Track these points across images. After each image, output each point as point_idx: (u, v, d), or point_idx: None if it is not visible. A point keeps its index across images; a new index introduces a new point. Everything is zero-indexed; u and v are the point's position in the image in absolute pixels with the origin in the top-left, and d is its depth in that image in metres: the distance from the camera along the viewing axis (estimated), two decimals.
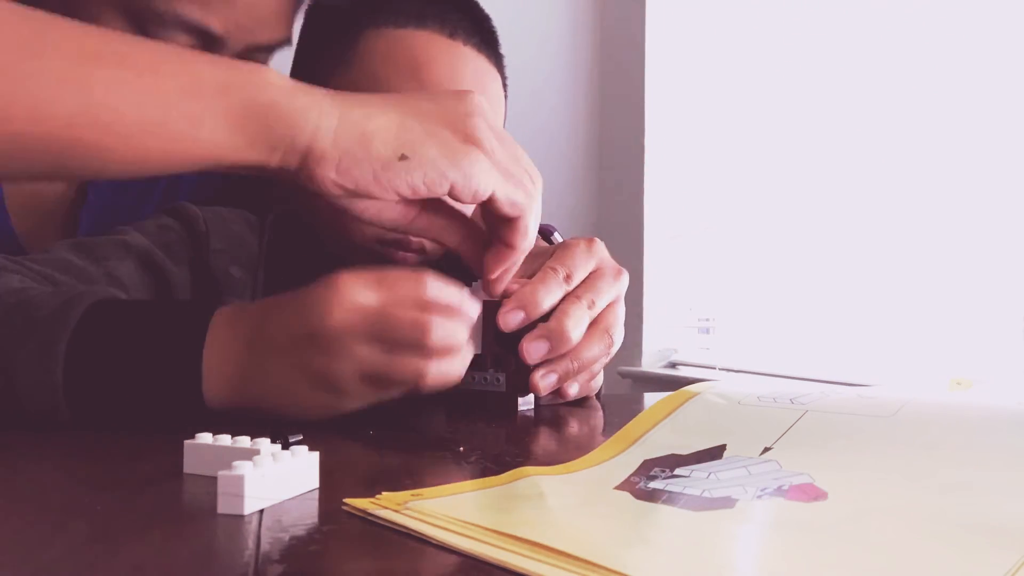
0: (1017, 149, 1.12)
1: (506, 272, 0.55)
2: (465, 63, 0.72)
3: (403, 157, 0.49)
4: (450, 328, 0.50)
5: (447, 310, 0.50)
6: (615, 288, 0.60)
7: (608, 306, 0.59)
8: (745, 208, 1.75)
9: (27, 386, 0.49)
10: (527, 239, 0.54)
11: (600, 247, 0.61)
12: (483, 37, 0.75)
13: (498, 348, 0.57)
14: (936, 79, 1.24)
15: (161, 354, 0.51)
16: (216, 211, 0.74)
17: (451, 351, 0.50)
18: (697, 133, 1.96)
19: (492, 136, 0.52)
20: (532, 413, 0.60)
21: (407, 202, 0.52)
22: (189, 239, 0.70)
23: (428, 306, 0.49)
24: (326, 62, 0.73)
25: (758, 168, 1.71)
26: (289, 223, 0.78)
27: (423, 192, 0.50)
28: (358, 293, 0.49)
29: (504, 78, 0.78)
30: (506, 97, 0.78)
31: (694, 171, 1.96)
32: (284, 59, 0.79)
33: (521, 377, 0.57)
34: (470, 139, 0.50)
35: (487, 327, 0.58)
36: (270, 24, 0.74)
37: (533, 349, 0.54)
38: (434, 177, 0.49)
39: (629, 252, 2.08)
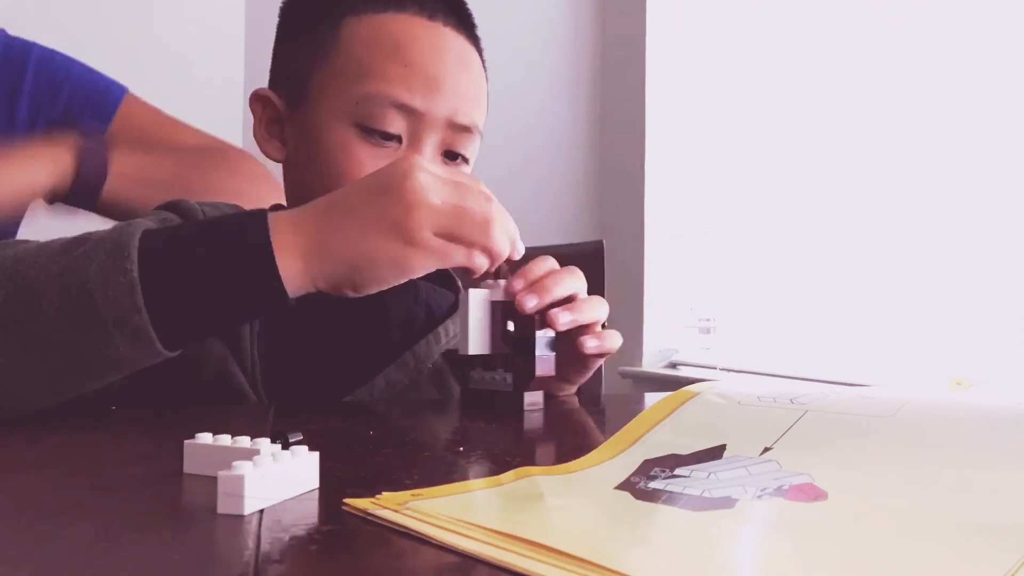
0: (1017, 149, 1.12)
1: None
2: (447, 42, 0.74)
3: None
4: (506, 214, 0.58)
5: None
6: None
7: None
8: (745, 208, 1.75)
9: (104, 293, 0.50)
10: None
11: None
12: (461, 18, 0.76)
13: (506, 348, 0.59)
14: (936, 79, 1.25)
15: (228, 240, 0.54)
16: (213, 204, 0.76)
17: (507, 226, 0.58)
18: (697, 134, 1.96)
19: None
20: (540, 410, 0.60)
21: None
22: None
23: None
24: (308, 53, 0.74)
25: (758, 169, 1.71)
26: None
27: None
28: (432, 167, 0.57)
29: (483, 59, 0.79)
30: (487, 77, 0.79)
31: (694, 172, 1.96)
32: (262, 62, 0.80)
33: (526, 376, 0.58)
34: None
35: (495, 328, 0.59)
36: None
37: (526, 300, 0.60)
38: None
39: (630, 252, 2.08)
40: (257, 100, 0.78)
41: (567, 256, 1.15)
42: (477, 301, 0.61)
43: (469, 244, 0.57)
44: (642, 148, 2.09)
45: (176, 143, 1.02)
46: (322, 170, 0.71)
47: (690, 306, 2.02)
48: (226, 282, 0.53)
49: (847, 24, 1.44)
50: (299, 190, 0.76)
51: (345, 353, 0.73)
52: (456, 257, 0.56)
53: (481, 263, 0.58)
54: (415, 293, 0.77)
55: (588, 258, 1.14)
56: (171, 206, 0.73)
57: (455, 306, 0.80)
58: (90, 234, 0.54)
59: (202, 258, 0.53)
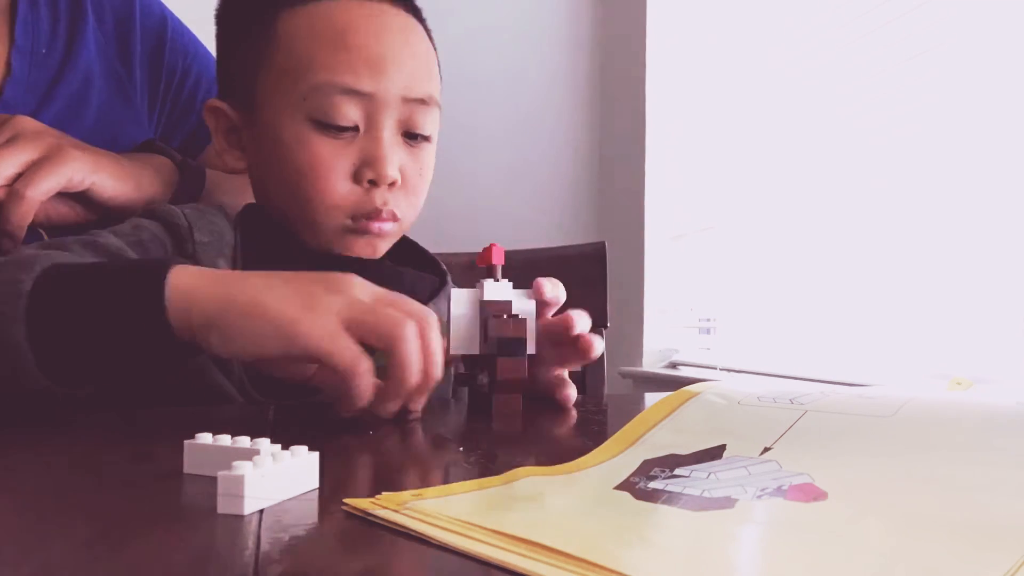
0: (1017, 149, 1.12)
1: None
2: (387, 20, 0.73)
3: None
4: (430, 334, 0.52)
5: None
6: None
7: None
8: (745, 209, 1.76)
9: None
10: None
11: None
12: None
13: (487, 352, 0.59)
14: (936, 79, 1.25)
15: (128, 272, 0.53)
16: (194, 207, 0.75)
17: (427, 347, 0.51)
18: (698, 134, 1.96)
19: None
20: (517, 413, 0.59)
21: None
22: (168, 236, 0.71)
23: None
24: (249, 56, 0.73)
25: (759, 169, 1.71)
26: (257, 216, 0.78)
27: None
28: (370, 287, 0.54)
29: (427, 29, 0.78)
30: (435, 48, 0.78)
31: (695, 172, 1.96)
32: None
33: (495, 377, 0.58)
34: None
35: (483, 332, 0.59)
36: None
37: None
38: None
39: (630, 253, 2.08)
40: (209, 112, 0.77)
41: (569, 257, 1.16)
42: (460, 300, 0.60)
43: (376, 338, 0.50)
44: (642, 148, 2.09)
45: None
46: (283, 171, 0.71)
47: (690, 306, 2.02)
48: (109, 301, 0.51)
49: (847, 25, 1.44)
50: (264, 197, 0.77)
51: None
52: (342, 354, 0.49)
53: (360, 380, 0.49)
54: (399, 279, 0.76)
55: (590, 259, 1.14)
56: (149, 213, 0.73)
57: (438, 290, 0.80)
58: (21, 256, 0.54)
59: (96, 281, 0.52)
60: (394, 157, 0.71)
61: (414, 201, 0.75)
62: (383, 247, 0.76)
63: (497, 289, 0.60)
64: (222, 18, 0.78)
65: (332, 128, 0.69)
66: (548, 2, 2.27)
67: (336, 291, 0.51)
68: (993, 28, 1.16)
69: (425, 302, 0.78)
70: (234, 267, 0.72)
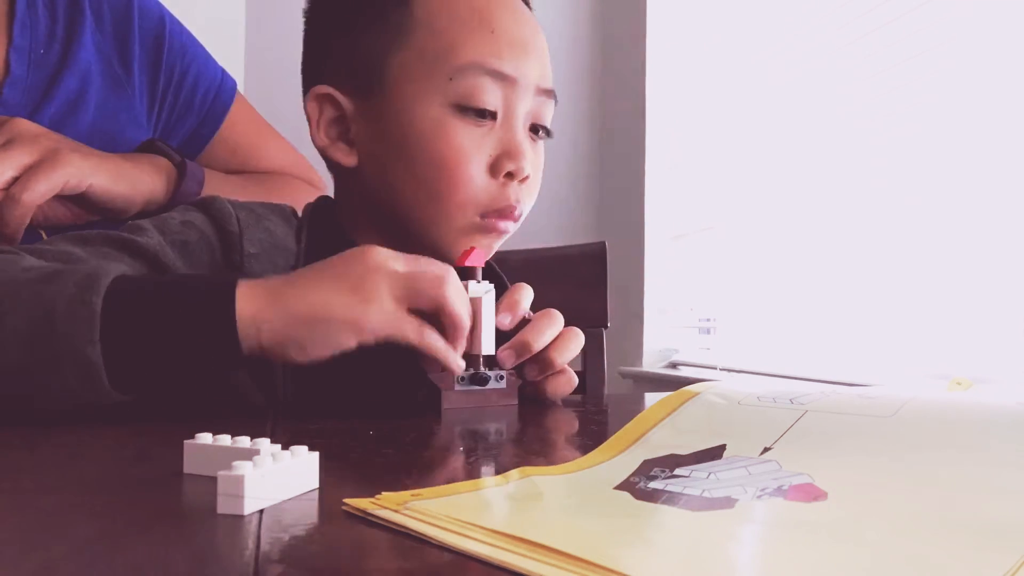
0: (1017, 149, 1.12)
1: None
2: (520, 7, 0.73)
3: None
4: (462, 303, 0.57)
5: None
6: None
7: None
8: (746, 209, 1.75)
9: (65, 321, 0.50)
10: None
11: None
12: None
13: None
14: (936, 79, 1.25)
15: (193, 289, 0.54)
16: (251, 207, 0.71)
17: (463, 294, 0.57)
18: (698, 134, 1.96)
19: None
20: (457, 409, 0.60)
21: None
22: (217, 240, 0.68)
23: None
24: (378, 39, 0.70)
25: (759, 169, 1.71)
26: (329, 217, 0.75)
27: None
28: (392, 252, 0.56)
29: None
30: None
31: (695, 172, 1.96)
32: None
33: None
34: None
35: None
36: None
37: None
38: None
39: (630, 253, 2.08)
40: (315, 100, 0.72)
41: (569, 257, 1.15)
42: (490, 302, 0.61)
43: (426, 301, 0.55)
44: (642, 148, 2.09)
45: (261, 161, 1.00)
46: (414, 161, 0.68)
47: (690, 306, 2.02)
48: (181, 324, 0.52)
49: (847, 25, 1.44)
50: (381, 194, 0.71)
51: (380, 372, 0.68)
52: (407, 330, 0.54)
53: (432, 342, 0.56)
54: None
55: (591, 259, 1.14)
56: (202, 204, 0.70)
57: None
58: (69, 267, 0.54)
59: (164, 302, 0.53)
60: (529, 150, 0.70)
61: (533, 197, 0.73)
62: (495, 248, 0.73)
63: (478, 291, 0.60)
64: (334, 2, 0.74)
65: (474, 113, 0.67)
66: (548, 2, 2.27)
67: (375, 270, 0.54)
68: (993, 28, 1.16)
69: None
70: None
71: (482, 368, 0.61)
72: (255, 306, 0.53)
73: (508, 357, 0.62)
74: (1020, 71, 1.11)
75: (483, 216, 0.69)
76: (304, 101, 0.72)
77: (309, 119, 0.72)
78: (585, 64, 2.30)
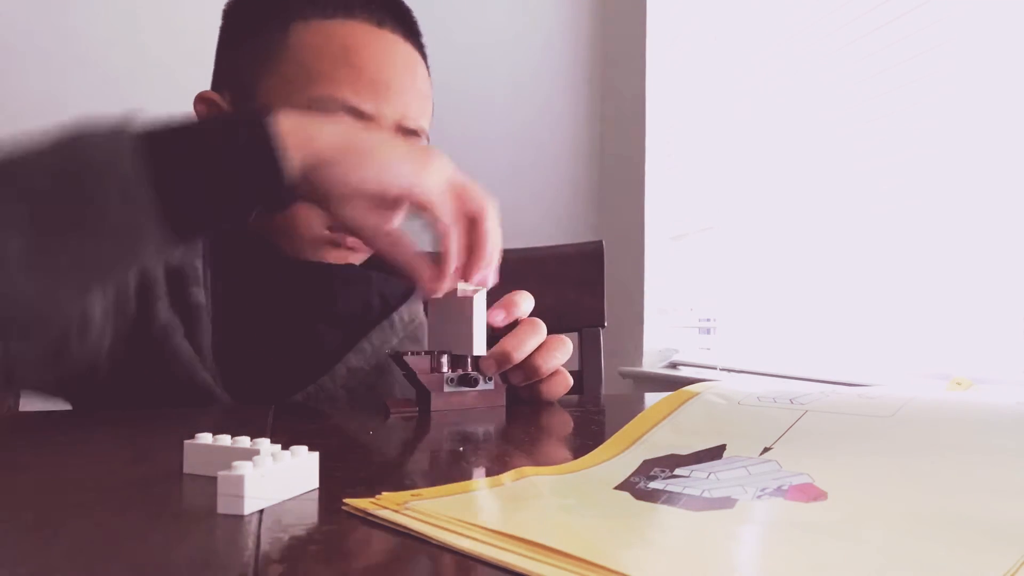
0: (1017, 149, 1.12)
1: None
2: (395, 49, 0.74)
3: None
4: (496, 232, 0.59)
5: None
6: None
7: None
8: (745, 209, 1.75)
9: (101, 154, 0.47)
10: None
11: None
12: (407, 26, 0.77)
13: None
14: (937, 80, 1.25)
15: (230, 117, 0.55)
16: None
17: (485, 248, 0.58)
18: (698, 135, 1.96)
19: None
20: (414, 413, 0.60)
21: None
22: None
23: None
24: (254, 58, 0.74)
25: (759, 169, 1.71)
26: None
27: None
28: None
29: (428, 67, 0.80)
30: (431, 87, 0.80)
31: (695, 172, 1.96)
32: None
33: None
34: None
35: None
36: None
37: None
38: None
39: (630, 253, 2.08)
40: (202, 102, 0.76)
41: (567, 256, 1.16)
42: (481, 302, 0.61)
43: (473, 204, 0.57)
44: (642, 148, 2.09)
45: None
46: None
47: (690, 306, 2.02)
48: (226, 143, 0.51)
49: (846, 25, 1.44)
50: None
51: (301, 345, 0.74)
52: (446, 206, 0.56)
53: (451, 243, 0.57)
54: (368, 282, 0.79)
55: (588, 258, 1.14)
56: None
57: (408, 293, 0.81)
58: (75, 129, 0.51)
59: (202, 126, 0.53)
60: None
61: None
62: (357, 260, 0.77)
63: (468, 291, 0.61)
64: (232, 14, 0.79)
65: None
66: (549, 2, 2.27)
67: (439, 159, 0.57)
68: (993, 28, 1.16)
69: (397, 305, 0.80)
70: (205, 269, 0.72)
71: (470, 370, 0.61)
72: (302, 122, 0.53)
73: (490, 366, 0.62)
74: (1020, 71, 1.11)
75: (332, 229, 0.73)
76: (194, 101, 0.77)
77: (197, 117, 0.74)
78: (585, 64, 2.30)
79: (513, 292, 0.67)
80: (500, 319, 0.64)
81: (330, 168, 0.52)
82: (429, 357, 0.60)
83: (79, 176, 0.47)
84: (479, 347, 0.61)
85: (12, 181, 0.46)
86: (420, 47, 0.79)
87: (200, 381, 0.68)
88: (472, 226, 0.57)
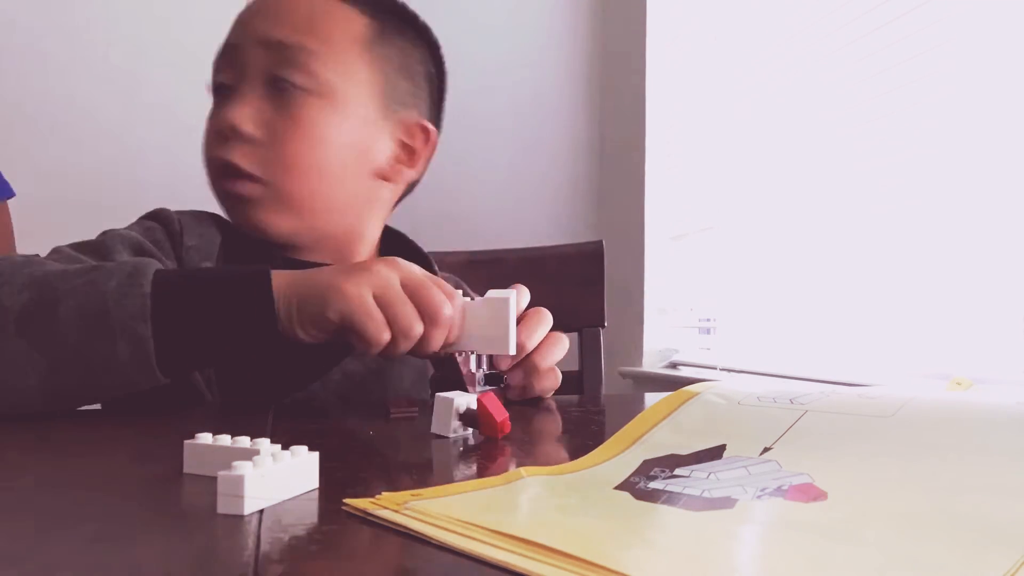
0: (1016, 149, 1.12)
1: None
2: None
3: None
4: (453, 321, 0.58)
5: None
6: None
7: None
8: (746, 209, 1.75)
9: (118, 304, 0.53)
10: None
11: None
12: None
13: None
14: (937, 80, 1.25)
15: (235, 278, 0.58)
16: (191, 213, 0.78)
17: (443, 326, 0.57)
18: (698, 134, 1.96)
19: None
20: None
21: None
22: (168, 238, 0.73)
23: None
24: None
25: (759, 169, 1.71)
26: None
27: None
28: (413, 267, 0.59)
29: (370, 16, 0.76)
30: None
31: (695, 172, 1.96)
32: None
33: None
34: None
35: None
36: None
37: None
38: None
39: (630, 253, 2.08)
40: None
41: (566, 256, 1.15)
42: (515, 304, 0.62)
43: (393, 316, 0.56)
44: (642, 148, 2.09)
45: None
46: None
47: (690, 306, 2.02)
48: (226, 310, 0.56)
49: (846, 26, 1.44)
50: None
51: (297, 348, 0.73)
52: (369, 325, 0.56)
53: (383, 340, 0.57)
54: None
55: (588, 258, 1.14)
56: (152, 216, 0.75)
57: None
58: (112, 262, 0.58)
59: (209, 289, 0.57)
60: (245, 108, 0.71)
61: (284, 158, 0.72)
62: (257, 215, 0.73)
63: (505, 294, 0.61)
64: None
65: (216, 93, 0.74)
66: (549, 3, 2.27)
67: (366, 266, 0.57)
68: (993, 28, 1.16)
69: None
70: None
71: (487, 369, 0.62)
72: (286, 283, 0.57)
73: (506, 362, 0.63)
74: (1020, 71, 1.11)
75: (215, 181, 0.74)
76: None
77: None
78: (585, 64, 2.30)
79: (514, 285, 0.67)
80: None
81: (298, 331, 0.58)
82: (465, 358, 0.61)
83: (94, 328, 0.53)
84: (514, 346, 0.61)
85: (44, 327, 0.53)
86: (366, 7, 0.76)
87: (192, 382, 0.68)
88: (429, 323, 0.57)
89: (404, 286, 0.57)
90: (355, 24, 0.75)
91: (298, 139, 0.72)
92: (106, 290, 0.54)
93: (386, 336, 0.56)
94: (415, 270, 0.58)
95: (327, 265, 0.62)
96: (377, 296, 0.56)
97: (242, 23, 0.74)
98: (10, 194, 1.34)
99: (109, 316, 0.53)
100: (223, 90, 0.73)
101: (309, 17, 0.74)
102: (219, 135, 0.72)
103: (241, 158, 0.71)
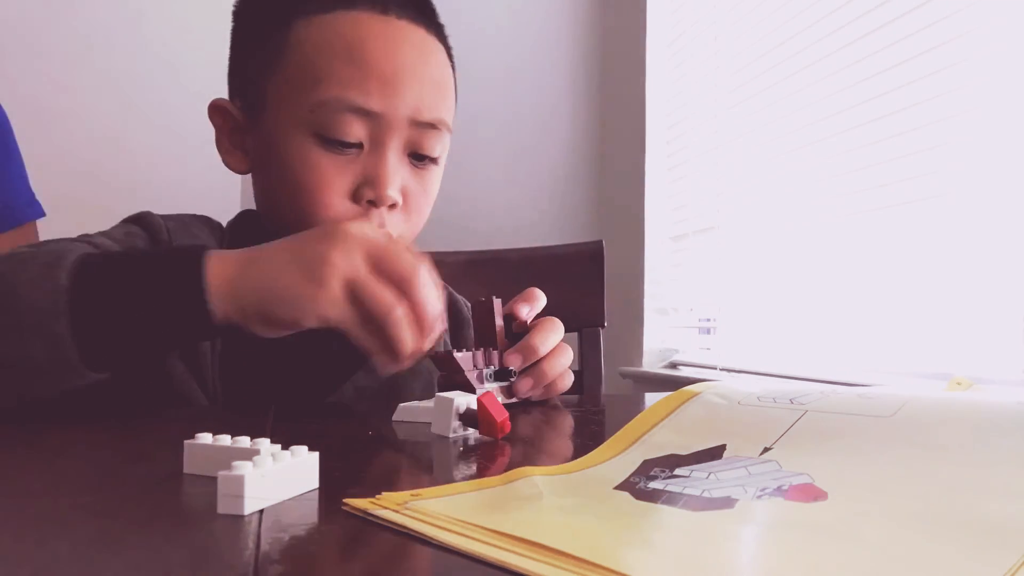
0: (1017, 149, 1.12)
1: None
2: (402, 36, 0.70)
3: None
4: (431, 298, 0.54)
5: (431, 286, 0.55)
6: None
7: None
8: (746, 209, 1.75)
9: (29, 297, 0.49)
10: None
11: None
12: (418, 7, 0.73)
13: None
14: (936, 80, 1.25)
15: (162, 263, 0.54)
16: (179, 218, 0.75)
17: (424, 317, 0.54)
18: (697, 135, 1.96)
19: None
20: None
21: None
22: (153, 246, 0.71)
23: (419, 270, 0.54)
24: (260, 60, 0.72)
25: (759, 170, 1.71)
26: (248, 225, 0.78)
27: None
28: (371, 229, 0.56)
29: (448, 48, 0.76)
30: (454, 68, 0.76)
31: (695, 172, 1.96)
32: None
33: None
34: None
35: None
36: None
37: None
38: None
39: (630, 253, 2.08)
40: (216, 111, 0.75)
41: (566, 256, 1.16)
42: (499, 305, 0.66)
43: (375, 312, 0.53)
44: (642, 148, 2.09)
45: None
46: (285, 181, 0.69)
47: (690, 306, 2.02)
48: (153, 300, 0.52)
49: (846, 26, 1.44)
50: (267, 200, 0.75)
51: (308, 364, 0.71)
52: (366, 342, 0.54)
53: (393, 327, 0.53)
54: None
55: (588, 258, 1.14)
56: (137, 219, 0.73)
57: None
58: (36, 250, 0.55)
59: (133, 277, 0.53)
60: (396, 178, 0.69)
61: (415, 223, 0.73)
62: None
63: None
64: (239, 17, 0.77)
65: (336, 144, 0.68)
66: (549, 3, 2.27)
67: (331, 247, 0.53)
68: (993, 28, 1.16)
69: None
70: None
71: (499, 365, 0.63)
72: (226, 275, 0.53)
73: (516, 359, 0.63)
74: (1020, 71, 1.11)
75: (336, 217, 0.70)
76: (208, 110, 0.76)
77: (213, 126, 0.76)
78: (585, 64, 2.30)
79: (532, 288, 0.69)
80: (526, 312, 0.66)
81: (249, 321, 0.54)
82: (471, 354, 0.61)
83: (2, 326, 0.50)
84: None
85: None
86: (436, 30, 0.74)
87: (193, 399, 0.67)
88: (406, 295, 0.54)
89: (369, 259, 0.53)
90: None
91: (427, 207, 0.74)
92: (16, 282, 0.50)
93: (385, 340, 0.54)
94: (369, 234, 0.55)
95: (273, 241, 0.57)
96: (350, 290, 0.53)
97: (385, 92, 0.68)
98: (40, 214, 1.28)
99: (18, 312, 0.49)
100: (347, 145, 0.68)
101: (445, 89, 0.73)
102: (363, 198, 0.69)
103: (383, 226, 0.69)
